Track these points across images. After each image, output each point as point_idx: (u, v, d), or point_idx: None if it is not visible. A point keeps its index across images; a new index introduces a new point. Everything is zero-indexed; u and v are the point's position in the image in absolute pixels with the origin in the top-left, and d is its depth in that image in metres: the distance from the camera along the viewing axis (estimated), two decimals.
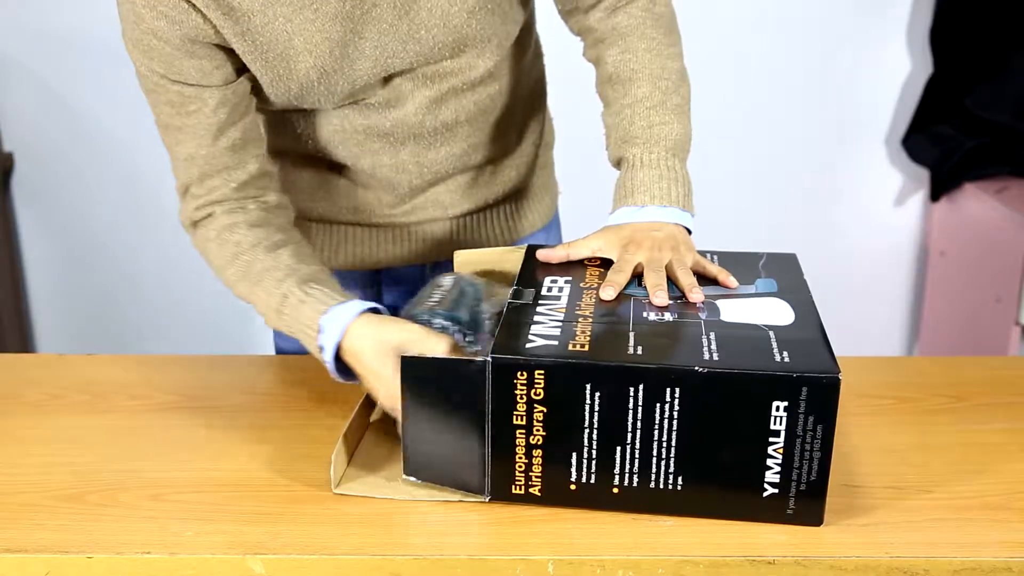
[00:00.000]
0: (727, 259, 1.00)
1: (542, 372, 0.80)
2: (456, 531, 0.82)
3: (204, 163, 1.03)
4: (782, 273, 0.98)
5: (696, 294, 0.92)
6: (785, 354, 0.80)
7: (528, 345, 0.82)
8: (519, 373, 0.80)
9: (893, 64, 2.32)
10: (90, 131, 2.32)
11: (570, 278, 0.96)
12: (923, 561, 0.78)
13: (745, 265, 0.99)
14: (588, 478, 0.82)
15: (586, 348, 0.81)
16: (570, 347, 0.81)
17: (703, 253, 1.00)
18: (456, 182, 1.18)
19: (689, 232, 1.02)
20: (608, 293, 0.92)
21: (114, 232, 2.40)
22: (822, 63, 2.31)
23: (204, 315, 2.41)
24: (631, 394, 0.79)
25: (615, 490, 0.83)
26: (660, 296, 0.91)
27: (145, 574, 0.80)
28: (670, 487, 0.82)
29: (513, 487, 0.84)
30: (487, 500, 0.85)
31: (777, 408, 0.78)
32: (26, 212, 2.41)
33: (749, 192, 2.37)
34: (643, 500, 0.83)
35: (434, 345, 0.88)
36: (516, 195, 1.26)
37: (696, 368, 0.78)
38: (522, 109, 1.21)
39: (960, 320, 2.32)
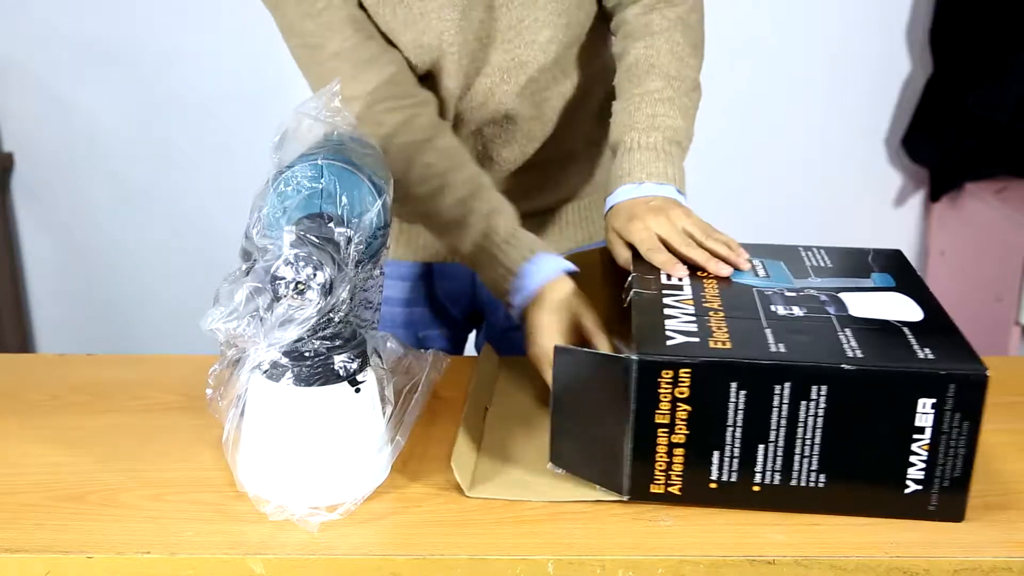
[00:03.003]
0: (833, 254, 1.01)
1: (688, 371, 0.79)
2: (456, 531, 0.82)
3: (352, 54, 1.04)
4: (894, 268, 0.99)
5: (721, 268, 0.95)
6: (927, 351, 0.80)
7: (669, 342, 0.81)
8: (664, 372, 0.79)
9: (893, 64, 2.33)
10: (90, 131, 2.32)
11: (685, 266, 0.97)
12: (923, 561, 0.78)
13: (855, 259, 1.01)
14: (729, 476, 0.81)
15: (728, 345, 0.81)
16: (711, 344, 0.81)
17: (807, 249, 1.03)
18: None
19: None
20: (679, 270, 0.94)
21: (114, 232, 2.40)
22: (822, 63, 2.31)
23: (204, 315, 2.41)
24: (777, 392, 0.79)
25: (755, 488, 0.82)
26: (722, 268, 0.94)
27: (145, 574, 0.79)
28: (811, 484, 0.81)
29: (652, 486, 0.83)
30: (626, 499, 0.84)
31: (924, 405, 0.78)
32: (26, 212, 2.41)
33: (749, 192, 2.37)
34: (783, 498, 0.82)
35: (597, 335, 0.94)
36: (556, 211, 1.26)
37: (844, 366, 0.78)
38: (576, 121, 1.21)
39: (960, 320, 2.31)
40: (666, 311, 0.87)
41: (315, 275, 0.78)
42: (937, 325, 0.86)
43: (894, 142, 2.38)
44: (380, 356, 0.91)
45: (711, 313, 0.86)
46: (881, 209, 2.44)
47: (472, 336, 1.39)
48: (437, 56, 1.08)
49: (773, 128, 2.35)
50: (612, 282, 1.05)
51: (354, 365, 0.84)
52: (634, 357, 0.79)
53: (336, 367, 0.83)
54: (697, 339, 0.82)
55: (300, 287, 0.78)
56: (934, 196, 2.36)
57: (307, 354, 0.82)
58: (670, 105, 1.07)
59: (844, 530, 0.81)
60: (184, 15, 2.21)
